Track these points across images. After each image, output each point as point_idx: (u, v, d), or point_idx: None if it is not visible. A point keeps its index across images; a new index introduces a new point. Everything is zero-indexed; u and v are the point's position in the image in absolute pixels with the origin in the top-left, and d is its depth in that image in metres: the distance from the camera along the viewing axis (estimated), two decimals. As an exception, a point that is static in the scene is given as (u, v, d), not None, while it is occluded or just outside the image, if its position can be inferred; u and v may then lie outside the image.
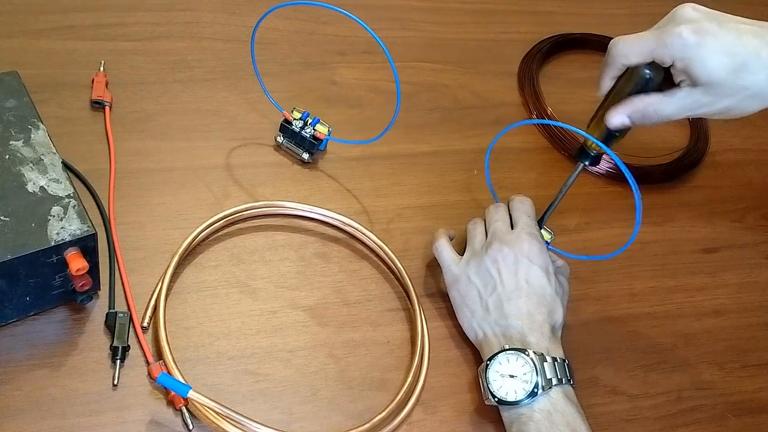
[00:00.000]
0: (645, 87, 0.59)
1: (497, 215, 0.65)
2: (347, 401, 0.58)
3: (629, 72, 0.60)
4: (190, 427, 0.53)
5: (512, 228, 0.64)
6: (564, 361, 0.58)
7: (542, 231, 0.66)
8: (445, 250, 0.65)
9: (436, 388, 0.61)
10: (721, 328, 0.71)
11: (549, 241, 0.66)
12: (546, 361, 0.56)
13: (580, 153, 0.66)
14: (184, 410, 0.54)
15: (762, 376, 0.68)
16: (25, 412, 0.52)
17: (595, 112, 0.65)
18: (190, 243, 0.62)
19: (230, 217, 0.65)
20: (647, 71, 0.59)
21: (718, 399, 0.66)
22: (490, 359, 0.58)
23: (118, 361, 0.55)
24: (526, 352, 0.56)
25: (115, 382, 0.54)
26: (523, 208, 0.66)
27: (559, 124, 0.74)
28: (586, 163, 0.65)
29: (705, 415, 0.64)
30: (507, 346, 0.58)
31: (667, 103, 0.59)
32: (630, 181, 0.59)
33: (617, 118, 0.60)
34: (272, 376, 0.58)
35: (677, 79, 0.59)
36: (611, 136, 0.62)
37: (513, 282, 0.60)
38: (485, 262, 0.62)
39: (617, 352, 0.67)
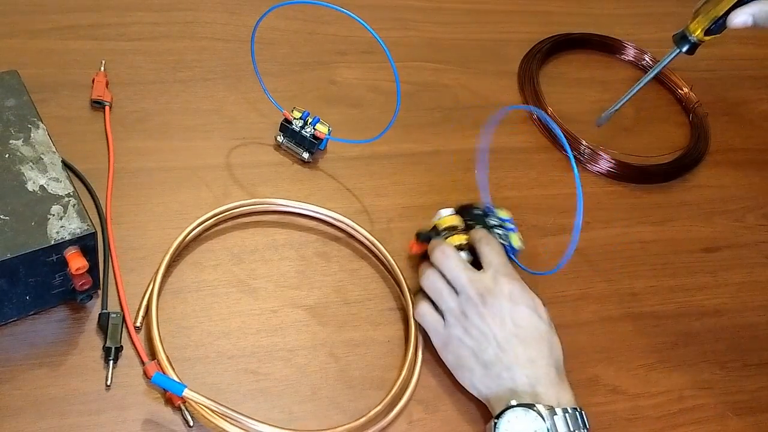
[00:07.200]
0: None
1: (449, 263, 0.60)
2: (347, 400, 0.58)
3: None
4: (190, 423, 0.53)
5: (476, 262, 0.61)
6: (575, 409, 0.55)
7: (514, 235, 0.64)
8: (426, 316, 0.61)
9: (436, 387, 0.60)
10: (722, 328, 0.71)
11: (519, 249, 0.63)
12: (556, 414, 0.53)
13: (680, 39, 0.67)
14: (183, 407, 0.54)
15: (763, 375, 0.68)
16: (24, 412, 0.52)
17: (704, 2, 0.66)
18: (181, 243, 0.62)
19: (220, 216, 0.65)
20: None
21: (718, 398, 0.65)
22: (498, 416, 0.54)
23: (111, 362, 0.55)
24: (535, 408, 0.53)
25: (108, 382, 0.54)
26: (492, 250, 0.61)
27: (539, 112, 0.72)
28: (683, 49, 0.67)
29: (706, 414, 0.64)
30: (514, 402, 0.54)
31: None
32: (566, 148, 0.58)
33: (741, 17, 0.61)
34: (272, 376, 0.58)
35: None
36: (714, 30, 0.65)
37: (503, 331, 0.57)
38: (470, 318, 0.58)
39: (618, 351, 0.66)
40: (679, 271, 0.74)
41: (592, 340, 0.67)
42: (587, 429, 0.55)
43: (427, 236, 0.64)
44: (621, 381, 0.65)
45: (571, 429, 0.53)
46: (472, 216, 0.65)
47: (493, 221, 0.64)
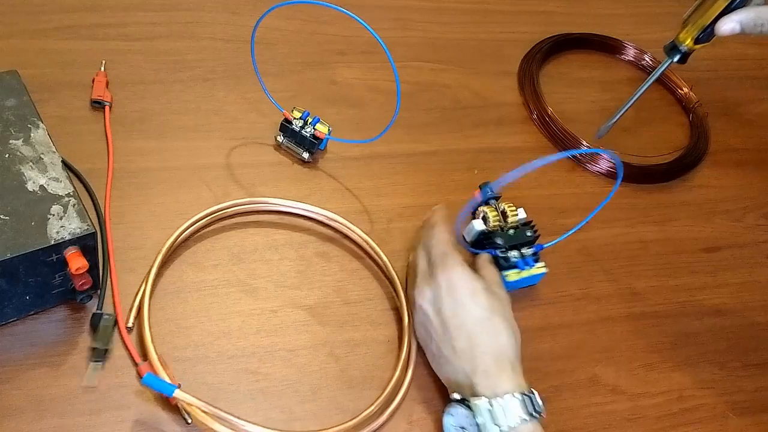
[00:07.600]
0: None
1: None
2: (348, 400, 0.58)
3: None
4: (188, 421, 0.53)
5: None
6: (515, 397, 0.52)
7: (514, 273, 0.64)
8: (416, 296, 0.61)
9: (436, 387, 0.60)
10: (722, 328, 0.71)
11: (507, 283, 0.63)
12: (492, 407, 0.52)
13: (670, 49, 0.69)
14: (181, 406, 0.54)
15: (763, 375, 0.68)
16: (24, 411, 0.52)
17: (694, 9, 0.67)
18: (173, 242, 0.62)
19: (214, 215, 0.64)
20: None
21: (719, 398, 0.66)
22: (444, 411, 0.56)
23: (98, 363, 0.54)
24: (467, 402, 0.54)
25: (85, 383, 0.54)
26: (437, 237, 0.61)
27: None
28: (675, 59, 0.68)
29: (706, 414, 0.64)
30: (455, 396, 0.55)
31: None
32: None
33: (728, 25, 0.61)
34: (272, 376, 0.58)
35: None
36: (703, 39, 0.66)
37: (440, 322, 0.57)
38: (419, 310, 0.59)
39: (618, 351, 0.66)
40: (679, 270, 0.74)
41: (593, 339, 0.67)
42: (537, 414, 0.52)
43: (486, 188, 0.67)
44: (621, 381, 0.65)
45: (509, 418, 0.51)
46: (518, 232, 0.65)
47: (514, 253, 0.64)
